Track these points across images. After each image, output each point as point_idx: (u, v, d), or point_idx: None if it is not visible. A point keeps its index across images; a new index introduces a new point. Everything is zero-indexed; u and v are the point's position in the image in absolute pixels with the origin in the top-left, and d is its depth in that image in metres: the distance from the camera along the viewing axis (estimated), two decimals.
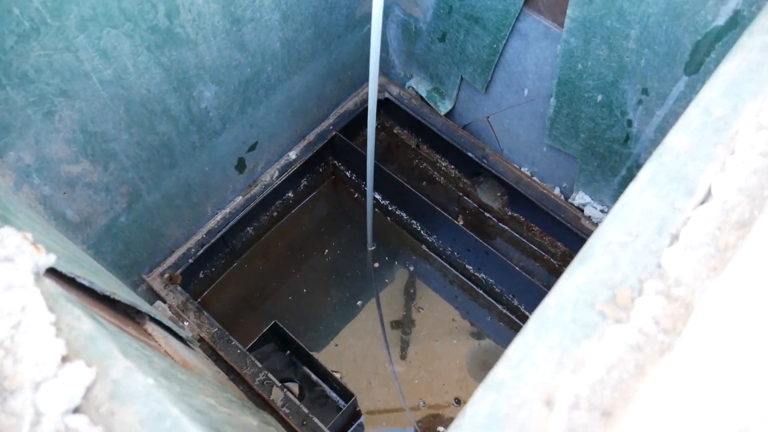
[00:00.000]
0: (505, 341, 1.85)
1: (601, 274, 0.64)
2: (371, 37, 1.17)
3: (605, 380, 0.59)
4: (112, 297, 0.98)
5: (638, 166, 1.56)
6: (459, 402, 1.77)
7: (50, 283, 0.69)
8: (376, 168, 1.90)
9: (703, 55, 1.23)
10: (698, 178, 0.69)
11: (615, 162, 1.60)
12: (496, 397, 0.59)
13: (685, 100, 1.34)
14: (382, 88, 2.00)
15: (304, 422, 1.53)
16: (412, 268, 1.94)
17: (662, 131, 1.44)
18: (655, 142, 1.47)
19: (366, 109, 1.98)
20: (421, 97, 1.95)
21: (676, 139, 0.71)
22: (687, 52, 1.25)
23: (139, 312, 1.13)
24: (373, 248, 1.95)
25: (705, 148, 0.71)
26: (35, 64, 1.03)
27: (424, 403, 1.76)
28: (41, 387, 0.60)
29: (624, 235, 0.66)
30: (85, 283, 0.88)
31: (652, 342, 0.60)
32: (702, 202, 0.68)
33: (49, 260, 0.71)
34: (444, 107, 1.91)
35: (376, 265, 1.94)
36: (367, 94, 1.99)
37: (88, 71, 1.12)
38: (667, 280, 0.64)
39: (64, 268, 0.80)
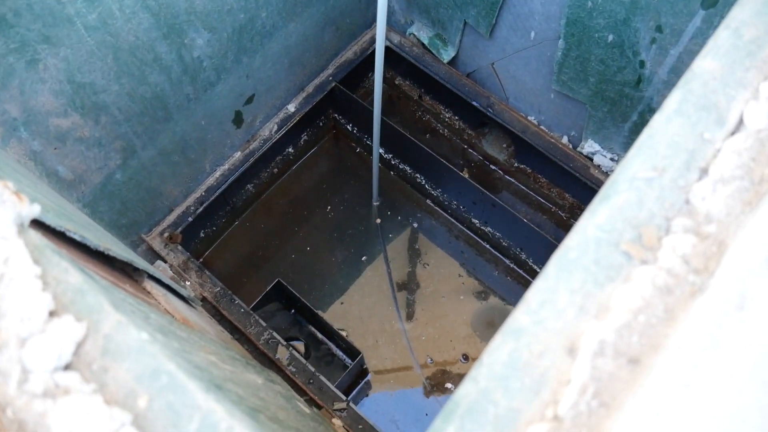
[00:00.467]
0: (512, 297, 1.81)
1: (626, 211, 0.60)
2: None
3: (632, 325, 0.55)
4: (106, 253, 0.93)
5: (651, 111, 1.50)
6: (467, 358, 1.74)
7: (35, 235, 0.65)
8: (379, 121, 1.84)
9: None
10: (729, 106, 0.64)
11: (626, 107, 1.54)
12: (515, 344, 0.55)
13: (701, 37, 1.27)
14: None
15: (311, 380, 1.51)
16: (416, 224, 1.90)
17: (677, 72, 1.38)
18: (669, 83, 1.41)
19: (367, 59, 1.92)
20: (423, 44, 1.88)
21: (704, 64, 0.66)
22: None
23: (136, 270, 1.09)
24: (378, 203, 1.90)
25: (736, 74, 0.65)
26: (13, 7, 0.97)
27: (432, 360, 1.74)
28: (27, 343, 0.56)
29: (649, 170, 0.62)
30: (77, 237, 0.84)
31: (683, 283, 0.56)
32: (733, 132, 0.63)
33: (33, 211, 0.67)
34: (447, 54, 1.84)
35: (378, 221, 1.89)
36: (367, 42, 1.92)
37: (71, 15, 1.06)
38: (696, 216, 0.59)
39: (52, 222, 0.76)
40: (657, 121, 0.64)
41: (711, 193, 0.60)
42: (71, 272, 0.62)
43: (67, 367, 0.57)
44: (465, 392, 0.53)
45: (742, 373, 0.50)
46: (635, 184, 0.61)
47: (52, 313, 0.59)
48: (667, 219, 0.59)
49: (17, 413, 0.53)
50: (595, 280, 0.57)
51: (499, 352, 0.54)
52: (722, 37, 0.68)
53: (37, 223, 0.72)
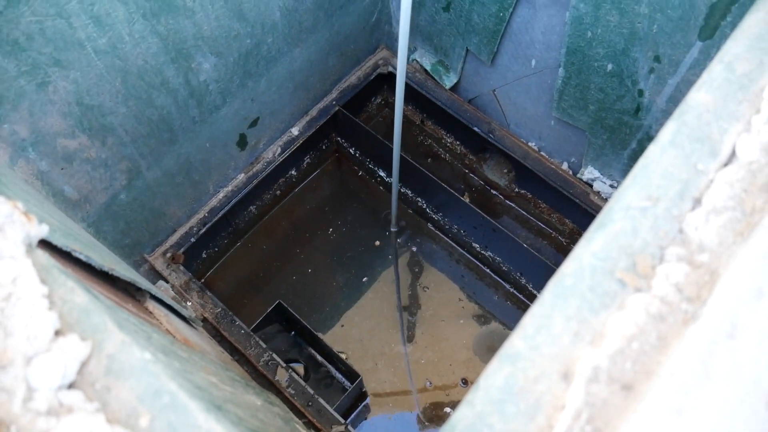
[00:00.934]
0: (512, 321, 1.82)
1: (621, 240, 0.61)
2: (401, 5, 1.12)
3: (626, 352, 0.56)
4: (110, 273, 0.95)
5: (649, 139, 1.52)
6: (466, 383, 1.74)
7: (42, 255, 0.66)
8: (380, 145, 1.86)
9: (718, 19, 1.19)
10: (722, 138, 0.66)
11: (625, 134, 1.56)
12: (511, 369, 0.56)
13: (698, 67, 1.30)
14: (385, 62, 1.95)
15: (310, 403, 1.51)
16: (417, 248, 1.91)
17: (675, 101, 1.40)
18: (667, 112, 1.43)
19: (370, 84, 1.95)
20: (426, 70, 1.91)
21: (698, 96, 0.68)
22: (701, 16, 1.20)
23: (139, 290, 1.11)
24: (396, 229, 1.92)
25: (729, 107, 0.67)
26: (26, 31, 0.99)
27: (431, 383, 1.74)
28: (33, 362, 0.57)
29: (644, 200, 0.63)
30: (82, 257, 0.85)
31: (676, 311, 0.57)
32: (726, 164, 0.65)
33: (42, 231, 0.68)
34: (449, 81, 1.87)
35: (377, 243, 1.90)
36: (370, 67, 1.95)
37: (81, 39, 1.08)
38: (689, 246, 0.60)
39: (59, 242, 0.77)
40: (652, 152, 0.66)
41: (704, 223, 0.61)
42: (77, 292, 0.63)
43: (71, 385, 0.58)
44: (461, 416, 0.54)
45: (733, 401, 0.51)
46: (630, 213, 0.63)
47: (57, 333, 0.60)
48: (661, 248, 0.61)
49: (21, 431, 0.54)
50: (591, 306, 0.58)
51: (496, 377, 0.55)
52: (716, 70, 0.70)
53: (44, 243, 0.74)
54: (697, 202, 0.63)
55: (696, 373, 0.52)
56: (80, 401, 0.57)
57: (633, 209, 0.63)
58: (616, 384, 0.54)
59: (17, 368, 0.56)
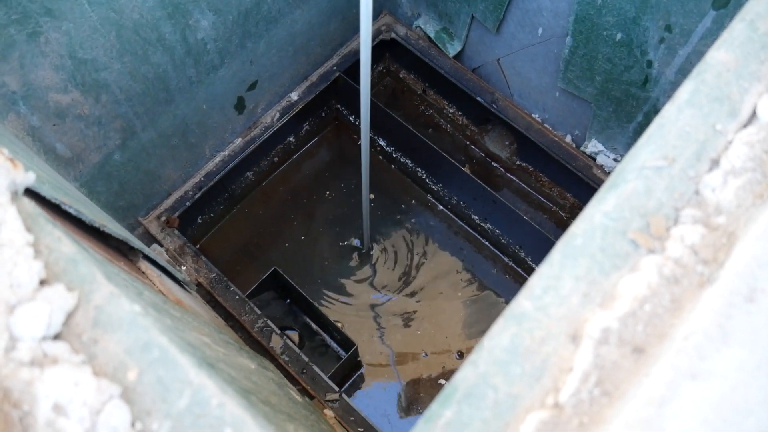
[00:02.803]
0: (509, 295, 1.80)
1: (634, 200, 0.58)
2: None
3: (637, 314, 0.53)
4: (101, 229, 0.92)
5: (656, 111, 1.49)
6: (461, 355, 1.73)
7: (29, 203, 0.63)
8: (382, 113, 1.82)
9: None
10: (742, 98, 0.63)
11: (631, 107, 1.53)
12: (517, 330, 0.53)
13: (711, 37, 1.26)
14: (387, 28, 1.91)
15: (304, 370, 1.49)
16: (416, 219, 1.88)
17: (684, 73, 1.36)
18: (676, 84, 1.39)
19: (372, 50, 1.90)
20: (429, 37, 1.86)
21: (718, 55, 0.65)
22: None
23: (132, 249, 1.08)
24: (364, 250, 1.86)
25: (750, 66, 0.64)
26: None
27: (427, 354, 1.72)
28: (16, 310, 0.55)
29: (659, 159, 0.60)
30: (72, 211, 0.82)
31: (690, 274, 0.55)
32: (746, 125, 0.62)
33: (28, 179, 0.65)
34: (453, 49, 1.82)
35: (379, 213, 1.88)
36: (373, 34, 1.90)
37: None
38: (706, 207, 0.58)
39: (48, 193, 0.74)
40: (668, 111, 0.63)
41: (721, 185, 0.59)
42: (64, 242, 0.61)
43: (56, 336, 0.56)
44: (464, 376, 0.52)
45: (749, 366, 0.49)
46: (644, 172, 0.60)
47: (42, 282, 0.57)
48: (675, 209, 0.58)
49: (3, 381, 0.52)
50: (601, 267, 0.56)
51: (501, 337, 0.53)
52: (737, 29, 0.66)
53: (32, 194, 0.71)
54: (715, 163, 0.60)
55: (712, 337, 0.50)
56: (66, 353, 0.54)
57: (647, 169, 0.60)
58: (626, 346, 0.52)
59: None
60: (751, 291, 0.51)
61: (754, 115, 0.62)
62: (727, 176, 0.59)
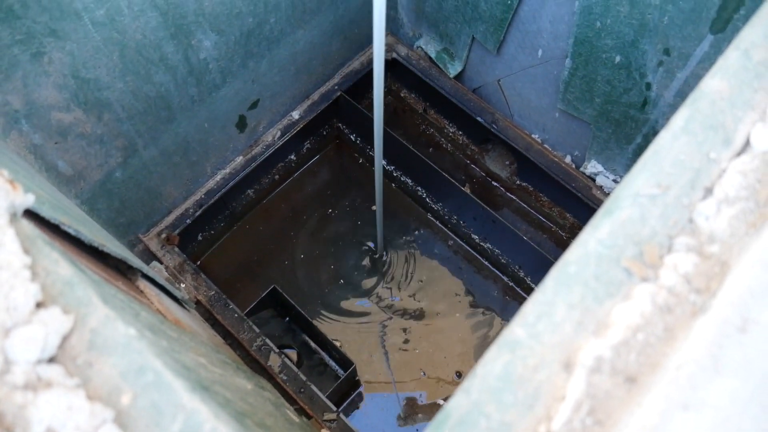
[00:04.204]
0: (509, 314, 1.80)
1: (628, 227, 0.59)
2: None
3: (630, 343, 0.53)
4: (100, 249, 0.92)
5: (655, 133, 1.50)
6: (460, 375, 1.72)
7: (27, 225, 0.64)
8: (383, 132, 1.83)
9: (731, 12, 1.16)
10: (736, 126, 0.63)
11: (631, 128, 1.53)
12: (510, 357, 0.53)
13: (709, 61, 1.27)
14: (389, 48, 1.92)
15: (302, 389, 1.49)
16: (415, 237, 1.88)
17: (683, 95, 1.37)
18: (675, 107, 1.40)
19: (372, 70, 1.91)
20: (430, 58, 1.88)
21: (712, 83, 0.65)
22: (714, 8, 1.18)
23: (130, 268, 1.08)
24: (383, 256, 1.88)
25: (744, 95, 0.65)
26: None
27: (425, 374, 1.72)
28: (12, 333, 0.55)
29: (653, 187, 0.61)
30: (71, 231, 0.82)
31: (684, 303, 0.55)
32: (740, 153, 0.62)
33: (27, 201, 0.66)
34: (453, 69, 1.84)
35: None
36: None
37: (79, 10, 1.05)
38: (699, 236, 0.58)
39: (47, 213, 0.75)
40: (663, 138, 0.63)
41: (715, 213, 0.59)
42: (61, 264, 0.61)
43: (51, 359, 0.56)
44: (457, 403, 0.52)
45: (742, 397, 0.49)
46: (639, 200, 0.60)
47: (39, 304, 0.58)
48: (669, 237, 0.58)
49: None
50: (595, 295, 0.56)
51: (494, 364, 0.53)
52: (731, 57, 0.67)
53: (31, 215, 0.71)
54: (709, 191, 0.60)
55: (704, 367, 0.50)
56: (60, 376, 0.54)
57: (642, 196, 0.60)
58: (619, 376, 0.52)
59: None
60: (744, 321, 0.51)
61: (747, 143, 0.63)
62: (721, 205, 0.59)
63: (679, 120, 0.64)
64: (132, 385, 0.55)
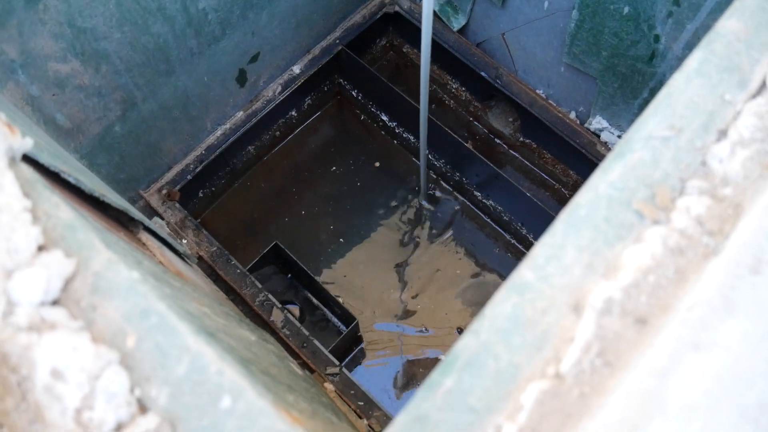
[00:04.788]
0: (510, 272, 1.79)
1: (639, 170, 0.58)
2: None
3: (641, 285, 0.53)
4: (101, 199, 0.91)
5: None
6: (461, 331, 1.73)
7: (27, 169, 0.62)
8: (384, 88, 1.81)
9: None
10: (752, 68, 0.62)
11: (637, 83, 1.51)
12: (519, 299, 0.53)
13: (720, 11, 1.24)
14: (391, 1, 1.88)
15: (305, 344, 1.50)
16: (417, 194, 1.87)
17: (692, 48, 1.34)
18: (683, 60, 1.37)
19: (375, 24, 1.88)
20: (434, 11, 1.84)
21: (728, 24, 0.63)
22: None
23: (132, 220, 1.07)
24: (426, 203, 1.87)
25: (761, 36, 0.63)
26: None
27: (426, 329, 1.73)
28: (14, 275, 0.54)
29: (666, 129, 0.59)
30: (71, 179, 0.81)
31: (696, 245, 0.54)
32: (755, 95, 0.61)
33: (26, 144, 0.64)
34: (457, 22, 1.80)
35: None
36: (376, 6, 1.88)
37: None
38: (713, 179, 0.57)
39: (46, 161, 0.74)
40: (676, 80, 0.62)
41: (729, 156, 0.58)
42: (62, 208, 0.60)
43: (54, 302, 0.55)
44: (465, 344, 0.51)
45: (753, 337, 0.48)
46: (651, 143, 0.59)
47: (41, 248, 0.57)
48: (682, 180, 0.57)
49: (1, 345, 0.51)
50: (605, 238, 0.55)
51: (502, 306, 0.52)
52: None
53: (30, 161, 0.70)
54: (723, 133, 0.59)
55: (716, 308, 0.49)
56: (64, 318, 0.54)
57: (654, 139, 0.59)
58: (629, 317, 0.51)
59: None
60: (757, 262, 0.51)
61: (763, 85, 0.61)
62: (735, 147, 0.58)
63: (693, 61, 0.62)
64: (136, 328, 0.54)
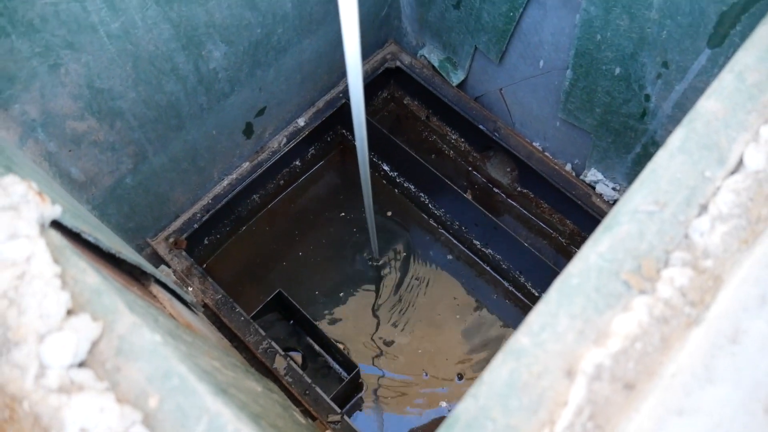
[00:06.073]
0: (509, 319, 1.83)
1: (627, 242, 0.62)
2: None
3: (629, 352, 0.57)
4: (117, 256, 0.96)
5: (654, 143, 1.53)
6: (461, 378, 1.76)
7: (55, 235, 0.67)
8: (385, 139, 1.87)
9: (727, 28, 1.20)
10: (730, 146, 0.67)
11: (630, 138, 1.57)
12: (516, 364, 0.57)
13: (706, 74, 1.31)
14: (393, 56, 1.96)
15: (307, 392, 1.52)
16: (417, 242, 1.92)
17: (681, 107, 1.41)
18: (673, 118, 1.44)
19: (377, 78, 1.95)
20: (433, 66, 1.91)
21: (708, 104, 0.69)
22: (711, 23, 1.21)
23: (144, 273, 1.11)
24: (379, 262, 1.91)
25: (738, 115, 0.68)
26: (41, 13, 1.00)
27: (427, 374, 1.75)
28: (46, 339, 0.58)
29: (651, 204, 0.64)
30: (90, 239, 0.86)
31: (679, 315, 0.58)
32: (733, 172, 0.66)
33: (55, 212, 0.69)
34: (456, 78, 1.87)
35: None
36: (378, 62, 1.95)
37: (95, 23, 1.09)
38: (694, 251, 0.61)
39: (69, 223, 0.78)
40: (660, 157, 0.67)
41: (709, 230, 0.62)
42: (89, 273, 0.64)
43: (81, 364, 0.59)
44: (465, 408, 0.55)
45: (733, 403, 0.52)
46: (637, 216, 0.64)
47: (69, 312, 0.61)
48: (666, 252, 0.62)
49: (33, 407, 0.55)
50: (596, 306, 0.59)
51: (500, 371, 0.56)
52: (726, 79, 0.70)
53: (55, 224, 0.75)
54: (704, 208, 0.64)
55: (697, 376, 0.53)
56: (91, 380, 0.58)
57: (640, 213, 0.64)
58: (618, 383, 0.55)
59: (30, 345, 0.57)
60: (735, 332, 0.55)
61: (740, 162, 0.66)
62: (715, 222, 0.63)
63: (675, 139, 0.68)
64: (158, 389, 0.58)
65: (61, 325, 0.59)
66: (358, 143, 1.27)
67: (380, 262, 1.88)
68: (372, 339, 1.80)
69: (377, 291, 1.86)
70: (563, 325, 0.58)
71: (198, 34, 1.30)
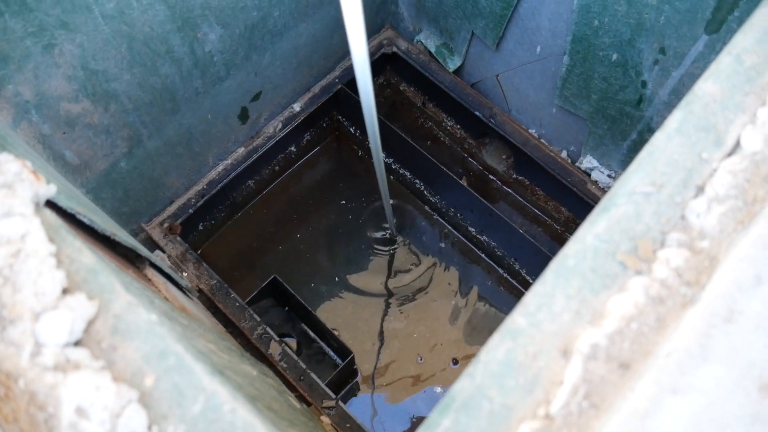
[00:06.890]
0: (503, 305, 1.83)
1: (623, 223, 0.62)
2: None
3: (624, 332, 0.57)
4: (112, 238, 0.95)
5: (650, 130, 1.53)
6: (456, 362, 1.76)
7: (50, 214, 0.67)
8: (381, 125, 1.86)
9: (725, 13, 1.20)
10: (727, 128, 0.67)
11: (626, 125, 1.57)
12: (512, 344, 0.57)
13: (703, 61, 1.30)
14: (389, 42, 1.95)
15: (302, 377, 1.52)
16: (412, 229, 1.92)
17: (677, 93, 1.41)
18: (669, 105, 1.44)
19: (373, 63, 1.94)
20: (430, 52, 1.90)
21: (705, 86, 0.69)
22: (709, 9, 1.21)
23: (138, 257, 1.11)
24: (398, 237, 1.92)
25: (735, 98, 0.68)
26: None
27: (422, 359, 1.76)
28: (41, 318, 0.58)
29: (648, 185, 0.64)
30: (85, 220, 0.85)
31: (674, 295, 0.58)
32: (730, 154, 0.66)
33: (50, 191, 0.69)
34: (453, 64, 1.87)
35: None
36: (374, 47, 1.94)
37: (89, 3, 1.08)
38: (690, 232, 0.62)
39: (64, 203, 0.78)
40: (658, 139, 0.67)
41: (706, 211, 0.62)
42: (84, 252, 0.64)
43: (77, 343, 0.59)
44: (461, 387, 0.55)
45: (727, 382, 0.52)
46: (634, 197, 0.64)
47: (65, 291, 0.61)
48: (662, 233, 0.62)
49: (29, 384, 0.55)
50: (592, 287, 0.59)
51: (496, 351, 0.56)
52: (724, 62, 0.70)
53: (50, 204, 0.74)
54: (700, 190, 0.64)
55: (692, 355, 0.54)
56: (87, 358, 0.58)
57: (637, 194, 0.64)
58: (613, 362, 0.55)
59: (25, 323, 0.57)
60: (730, 312, 0.55)
61: (737, 144, 0.66)
62: (711, 203, 0.63)
63: (673, 121, 0.67)
64: (154, 368, 0.58)
65: (56, 303, 0.59)
66: (369, 129, 1.27)
67: (398, 237, 1.90)
68: (367, 324, 1.80)
69: (373, 278, 1.86)
70: (559, 305, 0.58)
71: (193, 16, 1.29)
